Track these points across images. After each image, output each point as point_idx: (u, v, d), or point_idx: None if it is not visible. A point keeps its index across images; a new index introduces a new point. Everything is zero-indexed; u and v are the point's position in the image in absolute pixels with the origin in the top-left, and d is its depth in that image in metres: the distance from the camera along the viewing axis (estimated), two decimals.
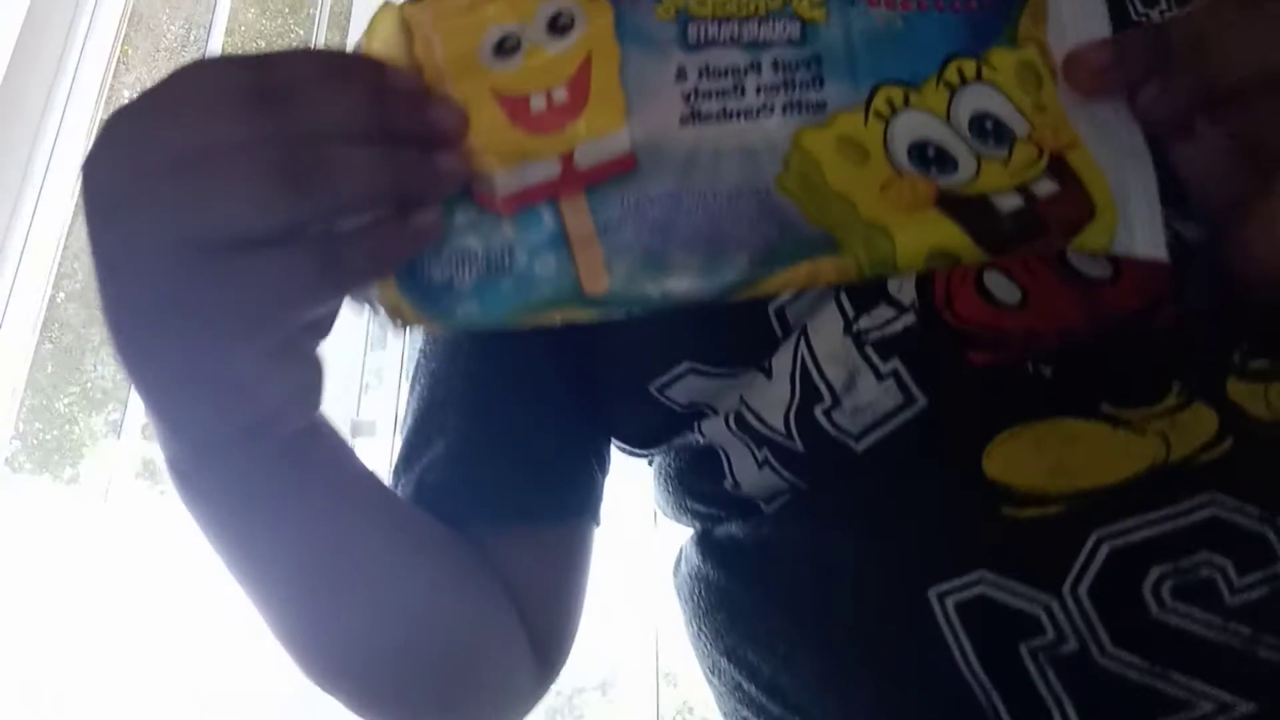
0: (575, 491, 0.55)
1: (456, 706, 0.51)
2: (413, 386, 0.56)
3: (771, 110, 0.33)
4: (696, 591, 0.50)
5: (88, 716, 1.31)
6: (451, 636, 0.48)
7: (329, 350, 0.36)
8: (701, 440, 0.49)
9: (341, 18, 1.88)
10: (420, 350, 0.57)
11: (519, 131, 0.32)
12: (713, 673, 0.50)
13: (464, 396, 0.54)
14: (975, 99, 0.34)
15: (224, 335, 0.29)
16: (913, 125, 0.34)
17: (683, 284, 0.32)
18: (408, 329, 0.32)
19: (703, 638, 0.50)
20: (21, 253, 1.46)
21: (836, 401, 0.43)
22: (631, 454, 0.56)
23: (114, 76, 1.72)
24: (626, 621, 1.36)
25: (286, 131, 0.28)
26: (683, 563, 0.52)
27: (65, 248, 1.55)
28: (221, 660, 1.37)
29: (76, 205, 1.60)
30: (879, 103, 0.34)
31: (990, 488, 0.39)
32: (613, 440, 0.56)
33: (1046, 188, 0.34)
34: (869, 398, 0.43)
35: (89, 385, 1.61)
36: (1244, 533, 0.37)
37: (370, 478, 0.45)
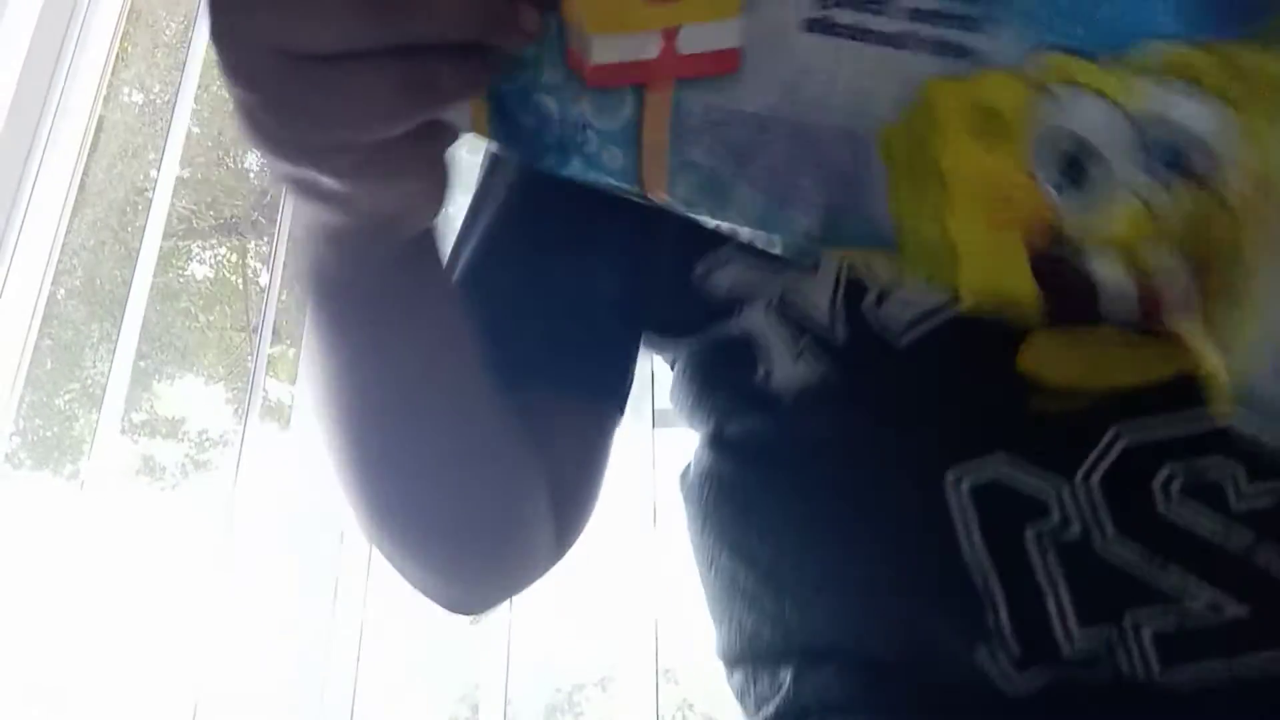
0: (609, 371, 0.55)
1: (497, 556, 0.51)
2: (460, 241, 0.57)
3: (909, 42, 0.27)
4: (706, 488, 0.50)
5: (87, 714, 1.31)
6: (504, 480, 0.49)
7: None
8: (739, 330, 0.49)
9: None
10: (470, 205, 0.58)
11: None
12: (710, 568, 0.50)
13: (515, 259, 0.55)
14: (1168, 103, 0.26)
15: (323, 131, 0.32)
16: (1076, 114, 0.26)
17: (736, 223, 0.32)
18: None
19: (706, 533, 0.50)
20: (15, 248, 1.46)
21: (882, 295, 0.44)
22: (662, 347, 0.56)
23: (113, 73, 1.72)
24: (626, 618, 1.36)
25: None
26: (692, 466, 0.53)
27: (64, 244, 1.55)
28: (221, 658, 1.37)
29: (75, 202, 1.59)
30: (1042, 70, 0.27)
31: (1021, 381, 0.40)
32: (647, 332, 0.56)
33: (1179, 283, 0.26)
34: (915, 293, 0.43)
35: (88, 382, 1.61)
36: (1261, 443, 0.37)
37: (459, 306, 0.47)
